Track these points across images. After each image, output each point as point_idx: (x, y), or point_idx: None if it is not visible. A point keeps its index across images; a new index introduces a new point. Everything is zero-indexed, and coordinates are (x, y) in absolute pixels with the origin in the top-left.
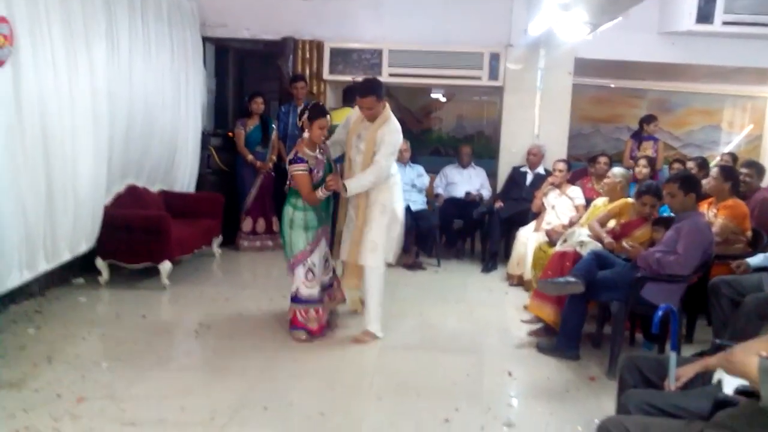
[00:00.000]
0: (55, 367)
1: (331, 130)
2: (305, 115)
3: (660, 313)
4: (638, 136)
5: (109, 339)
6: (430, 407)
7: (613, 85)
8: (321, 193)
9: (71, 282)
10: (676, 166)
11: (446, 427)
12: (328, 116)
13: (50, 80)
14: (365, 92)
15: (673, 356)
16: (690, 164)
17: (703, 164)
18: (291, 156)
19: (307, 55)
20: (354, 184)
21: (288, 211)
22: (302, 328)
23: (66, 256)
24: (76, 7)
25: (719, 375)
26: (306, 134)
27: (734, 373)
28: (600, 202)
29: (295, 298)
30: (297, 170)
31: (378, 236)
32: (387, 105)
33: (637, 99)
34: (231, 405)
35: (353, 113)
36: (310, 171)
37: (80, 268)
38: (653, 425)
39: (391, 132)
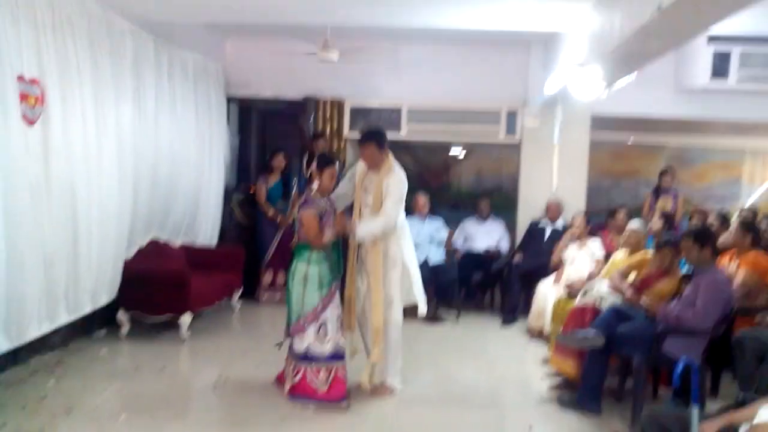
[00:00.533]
0: (74, 419)
1: None
2: (314, 165)
3: (681, 367)
4: (657, 190)
5: (128, 391)
6: None
7: (631, 141)
8: (329, 233)
9: (92, 334)
10: (696, 219)
11: None
12: (336, 165)
13: (78, 138)
14: (365, 139)
15: (695, 411)
16: (711, 218)
17: (724, 220)
18: (301, 201)
19: (328, 114)
20: (363, 228)
21: (301, 268)
22: (308, 397)
23: (87, 309)
24: (105, 68)
25: (744, 429)
26: (315, 184)
27: None
28: (619, 255)
29: (305, 357)
30: (306, 212)
31: (393, 290)
32: (390, 155)
33: (656, 153)
34: None
35: (358, 167)
36: (320, 218)
37: (101, 320)
38: None
39: (396, 182)
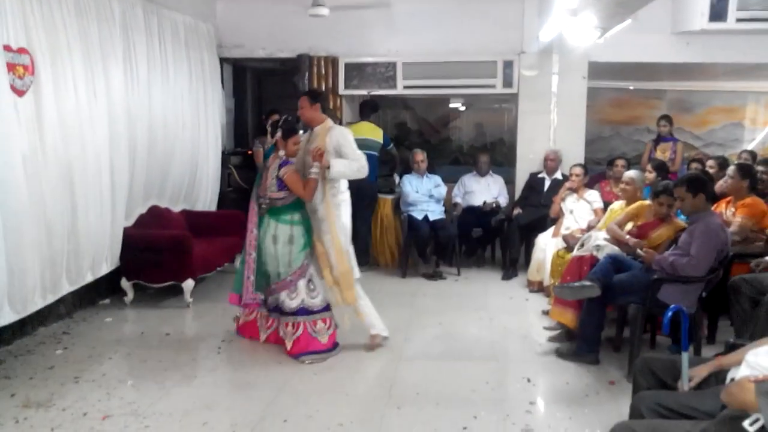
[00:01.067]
0: (82, 386)
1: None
2: (278, 133)
3: (670, 313)
4: (658, 138)
5: (134, 357)
6: (448, 415)
7: (632, 87)
8: (312, 171)
9: (97, 303)
10: (694, 165)
11: None
12: (300, 132)
13: (70, 106)
14: (302, 93)
15: (685, 357)
16: (710, 163)
17: (723, 163)
18: (278, 162)
19: (323, 71)
20: (338, 165)
21: (284, 230)
22: (310, 352)
23: (89, 278)
24: (93, 34)
25: (733, 374)
26: (281, 152)
27: (735, 405)
28: (617, 205)
29: (301, 311)
30: (288, 171)
31: (345, 240)
32: (327, 117)
33: (657, 100)
34: (252, 419)
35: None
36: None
37: (106, 289)
38: (662, 427)
39: (342, 134)
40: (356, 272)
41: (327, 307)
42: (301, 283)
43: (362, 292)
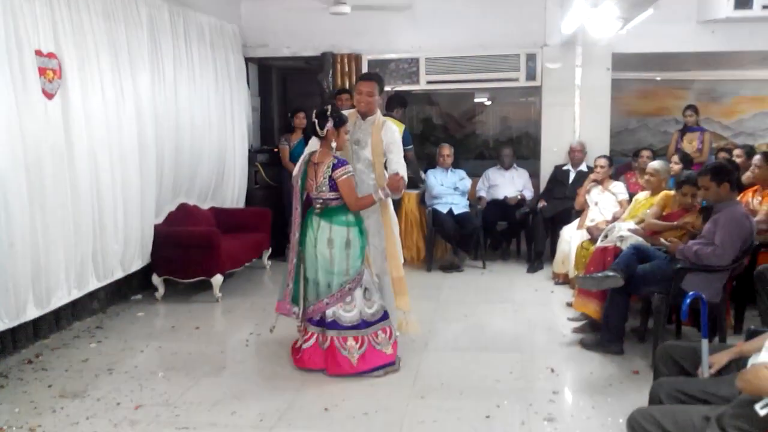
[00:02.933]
0: (115, 378)
1: None
2: (329, 123)
3: (688, 300)
4: (684, 129)
5: (165, 350)
6: (472, 405)
7: (658, 78)
8: (382, 194)
9: (130, 299)
10: (722, 155)
11: (487, 423)
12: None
13: (98, 109)
14: (367, 77)
15: (705, 343)
16: (737, 152)
17: (751, 152)
18: (333, 161)
19: (346, 69)
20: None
21: (340, 232)
22: (379, 366)
23: (119, 274)
24: (121, 37)
25: (753, 360)
26: (334, 144)
27: (750, 391)
28: (641, 196)
29: (362, 324)
30: (346, 173)
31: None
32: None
33: (684, 90)
34: (279, 408)
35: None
36: None
37: (138, 285)
38: (679, 412)
39: (393, 132)
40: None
41: (385, 315)
42: (358, 293)
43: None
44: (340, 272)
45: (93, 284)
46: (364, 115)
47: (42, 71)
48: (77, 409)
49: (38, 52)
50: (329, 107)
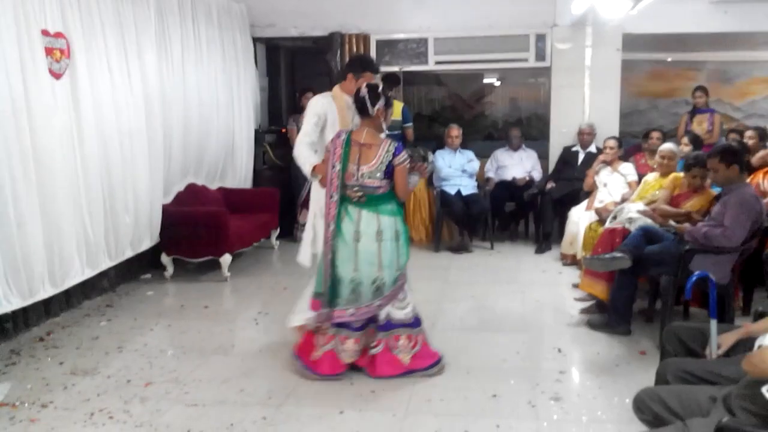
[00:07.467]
0: (125, 355)
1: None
2: (381, 101)
3: (693, 278)
4: (694, 110)
5: (174, 328)
6: (478, 384)
7: (669, 59)
8: (416, 179)
9: (139, 277)
10: (732, 136)
11: (494, 402)
12: None
13: (106, 88)
14: (378, 70)
15: (713, 324)
16: (749, 134)
17: (763, 134)
18: (390, 147)
19: (354, 49)
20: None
21: (389, 222)
22: (433, 364)
23: (129, 254)
24: (128, 17)
25: (761, 341)
26: (385, 124)
27: (756, 374)
28: (651, 177)
29: (416, 321)
30: (405, 159)
31: None
32: None
33: (695, 71)
34: (287, 385)
35: (327, 106)
36: None
37: (147, 264)
38: (686, 392)
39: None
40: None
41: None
42: (407, 287)
43: None
44: (391, 267)
45: (105, 263)
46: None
47: (49, 51)
48: (88, 386)
49: (45, 32)
50: (380, 84)
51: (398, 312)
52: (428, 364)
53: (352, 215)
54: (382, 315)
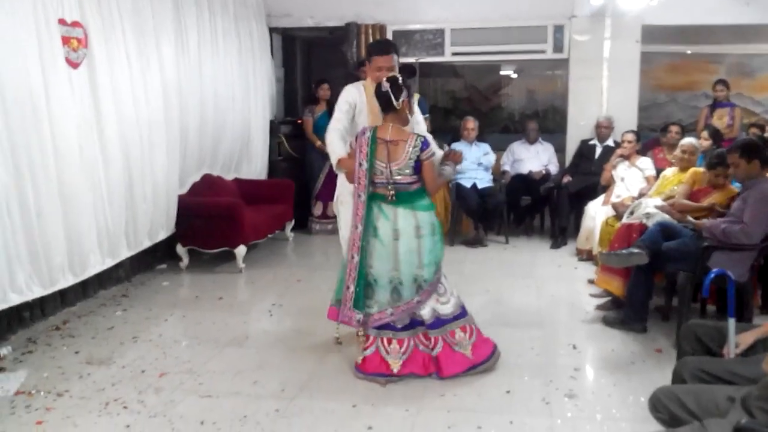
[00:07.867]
0: (140, 346)
1: None
2: (404, 93)
3: (711, 275)
4: (714, 104)
5: (189, 319)
6: (492, 379)
7: (689, 52)
8: (450, 171)
9: (155, 268)
10: (753, 131)
11: (508, 397)
12: None
13: (123, 78)
14: (387, 50)
15: (731, 323)
16: None
17: None
18: (416, 142)
19: (370, 39)
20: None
21: (425, 217)
22: (492, 354)
23: (146, 244)
24: (145, 7)
25: None
26: (411, 117)
27: None
28: (669, 172)
29: (463, 312)
30: (432, 154)
31: None
32: None
33: (715, 64)
34: (301, 378)
35: (351, 95)
36: None
37: (163, 254)
38: (703, 392)
39: (414, 106)
40: None
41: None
42: (444, 279)
43: None
44: (431, 262)
45: (124, 253)
46: None
47: (66, 40)
48: (103, 375)
49: (62, 21)
50: (399, 76)
51: (444, 307)
52: (487, 354)
53: (387, 214)
54: (428, 314)
